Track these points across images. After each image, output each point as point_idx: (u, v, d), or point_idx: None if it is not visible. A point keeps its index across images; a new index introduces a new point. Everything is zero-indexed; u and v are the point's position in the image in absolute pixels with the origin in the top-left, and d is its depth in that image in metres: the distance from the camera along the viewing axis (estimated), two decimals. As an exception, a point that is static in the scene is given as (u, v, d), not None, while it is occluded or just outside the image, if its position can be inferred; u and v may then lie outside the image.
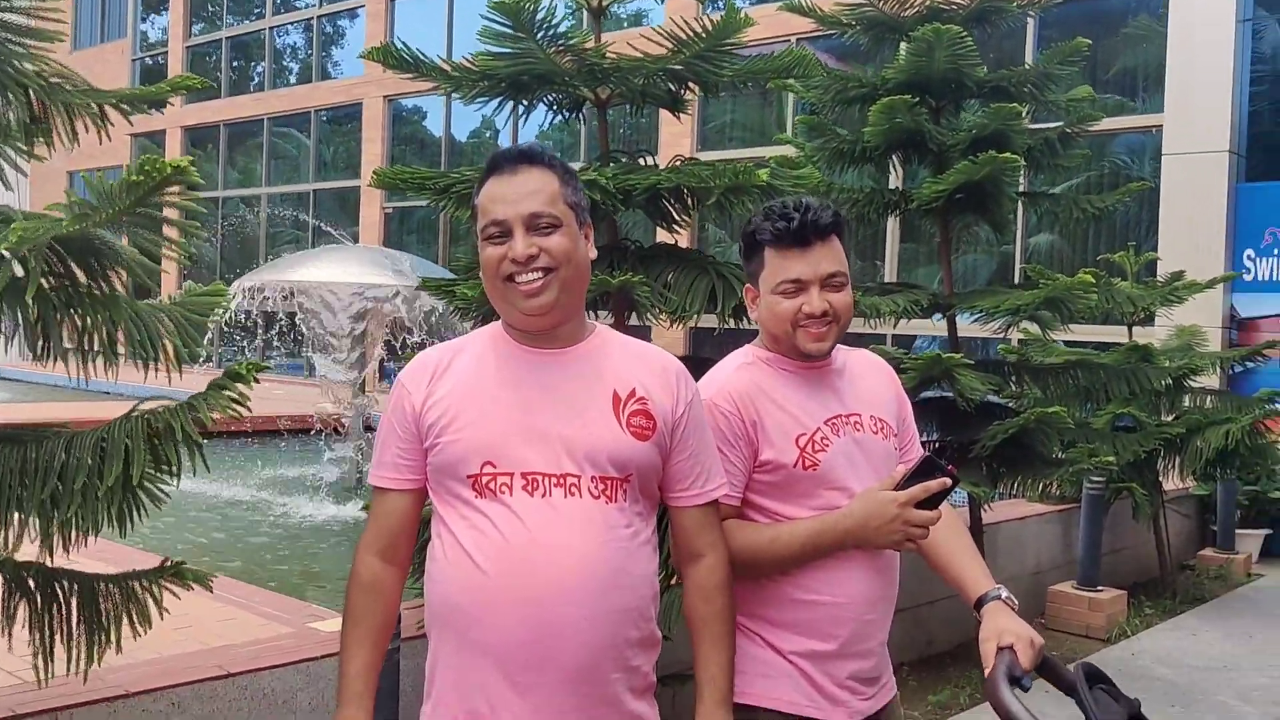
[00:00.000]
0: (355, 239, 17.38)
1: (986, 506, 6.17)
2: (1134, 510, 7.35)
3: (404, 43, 3.93)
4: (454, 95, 4.07)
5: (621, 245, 4.05)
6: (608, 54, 3.75)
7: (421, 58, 3.90)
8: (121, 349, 2.65)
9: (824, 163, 6.23)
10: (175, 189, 2.13)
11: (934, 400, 6.05)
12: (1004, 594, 2.16)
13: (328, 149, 20.08)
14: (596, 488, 1.89)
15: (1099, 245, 10.43)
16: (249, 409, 2.69)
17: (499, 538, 1.85)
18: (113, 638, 2.61)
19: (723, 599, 2.06)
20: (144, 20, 23.84)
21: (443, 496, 1.95)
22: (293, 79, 20.92)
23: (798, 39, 12.09)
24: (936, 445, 6.07)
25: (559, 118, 4.22)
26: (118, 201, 2.08)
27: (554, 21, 3.58)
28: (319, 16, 20.03)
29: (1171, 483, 8.27)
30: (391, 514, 2.01)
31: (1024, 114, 5.57)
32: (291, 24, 20.75)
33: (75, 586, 2.59)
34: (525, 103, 4.14)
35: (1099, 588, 6.85)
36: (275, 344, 14.03)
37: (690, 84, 4.15)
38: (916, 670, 5.97)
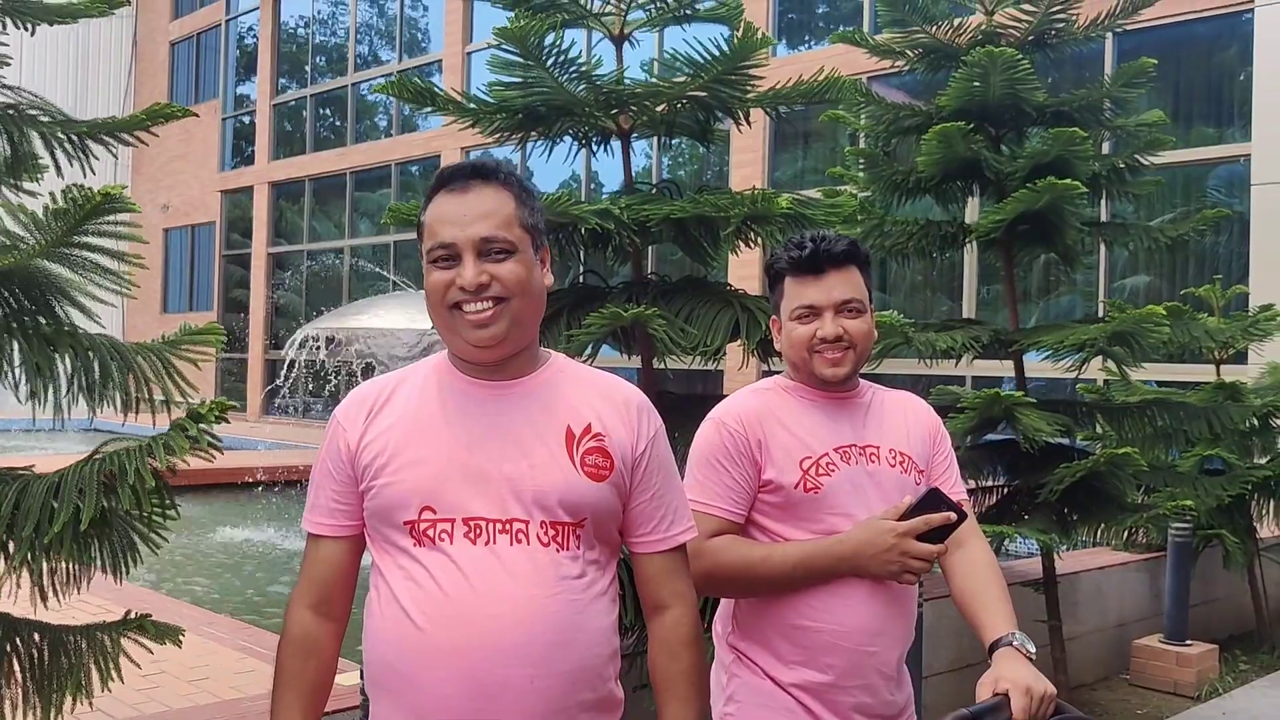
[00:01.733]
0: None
1: (1059, 555, 5.81)
2: (1225, 558, 6.89)
3: (419, 77, 3.83)
4: (474, 129, 3.97)
5: (645, 280, 3.88)
6: (624, 80, 3.61)
7: (436, 90, 3.80)
8: (73, 385, 2.55)
9: (878, 195, 6.01)
10: (119, 218, 2.02)
11: (1001, 442, 5.74)
12: (1017, 640, 2.05)
13: (408, 202, 20.36)
14: (546, 534, 1.71)
15: (1193, 284, 10.00)
16: (221, 451, 2.57)
17: (436, 591, 1.67)
18: (72, 692, 2.48)
19: (690, 656, 1.85)
20: (238, 82, 24.57)
21: (380, 545, 1.77)
22: (376, 134, 21.32)
23: (869, 78, 11.89)
24: (1005, 489, 5.75)
25: (582, 149, 4.08)
26: (48, 232, 1.97)
27: (563, 47, 3.45)
28: (399, 72, 20.40)
29: (1268, 529, 7.77)
30: (325, 563, 1.83)
31: (1088, 139, 5.29)
32: (373, 80, 21.19)
33: (37, 638, 2.47)
34: (549, 136, 4.02)
35: (1188, 642, 6.40)
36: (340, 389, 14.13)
37: (718, 112, 3.98)
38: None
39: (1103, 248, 10.41)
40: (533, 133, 3.98)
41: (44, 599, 2.48)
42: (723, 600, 2.34)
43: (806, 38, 14.85)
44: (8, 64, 2.53)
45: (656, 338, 3.42)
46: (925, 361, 5.51)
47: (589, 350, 3.51)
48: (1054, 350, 5.48)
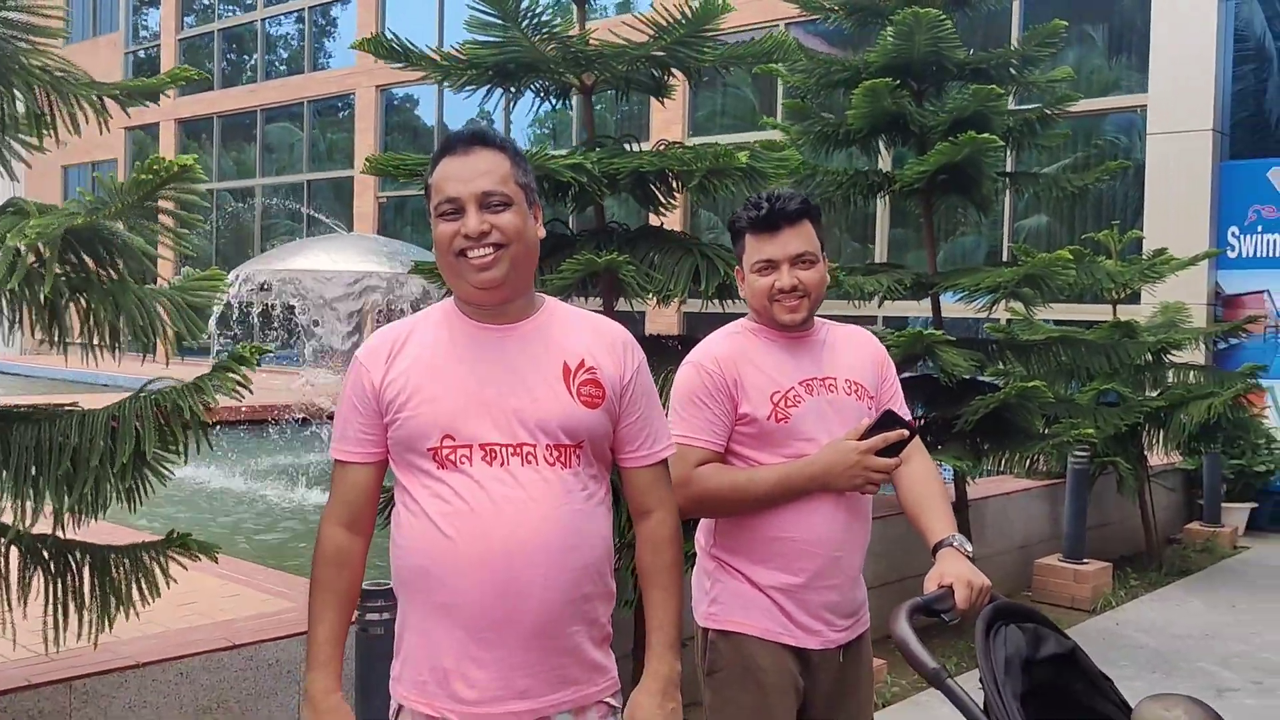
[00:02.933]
0: (350, 228, 17.45)
1: (971, 480, 6.30)
2: (1118, 484, 7.49)
3: (394, 33, 4.04)
4: (444, 84, 4.18)
5: (608, 228, 4.17)
6: (591, 41, 3.86)
7: (411, 48, 4.01)
8: (125, 335, 2.76)
9: (809, 146, 6.35)
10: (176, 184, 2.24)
11: (920, 377, 6.19)
12: (957, 540, 2.40)
13: (321, 139, 20.14)
14: (551, 455, 2.00)
15: (1090, 227, 10.55)
16: (251, 391, 2.81)
17: (463, 505, 1.96)
18: (124, 605, 2.73)
19: (671, 551, 2.18)
20: (136, 13, 23.86)
21: (405, 468, 2.05)
22: (285, 70, 20.97)
23: (786, 24, 12.17)
24: (921, 420, 6.20)
25: (546, 104, 4.33)
26: (125, 196, 2.19)
27: (537, 10, 3.69)
28: (310, 7, 20.08)
29: (1157, 458, 8.40)
30: (355, 486, 2.10)
31: (1004, 95, 5.68)
32: (283, 15, 20.80)
33: (88, 558, 2.71)
34: (513, 90, 4.25)
35: (1084, 560, 6.98)
36: (270, 334, 14.12)
37: (673, 70, 4.26)
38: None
39: (1008, 194, 10.93)
40: (497, 89, 4.21)
41: (63, 528, 2.69)
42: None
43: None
44: (65, 36, 2.69)
45: (625, 282, 3.71)
46: (852, 303, 5.90)
47: (562, 295, 3.79)
48: (969, 292, 5.92)
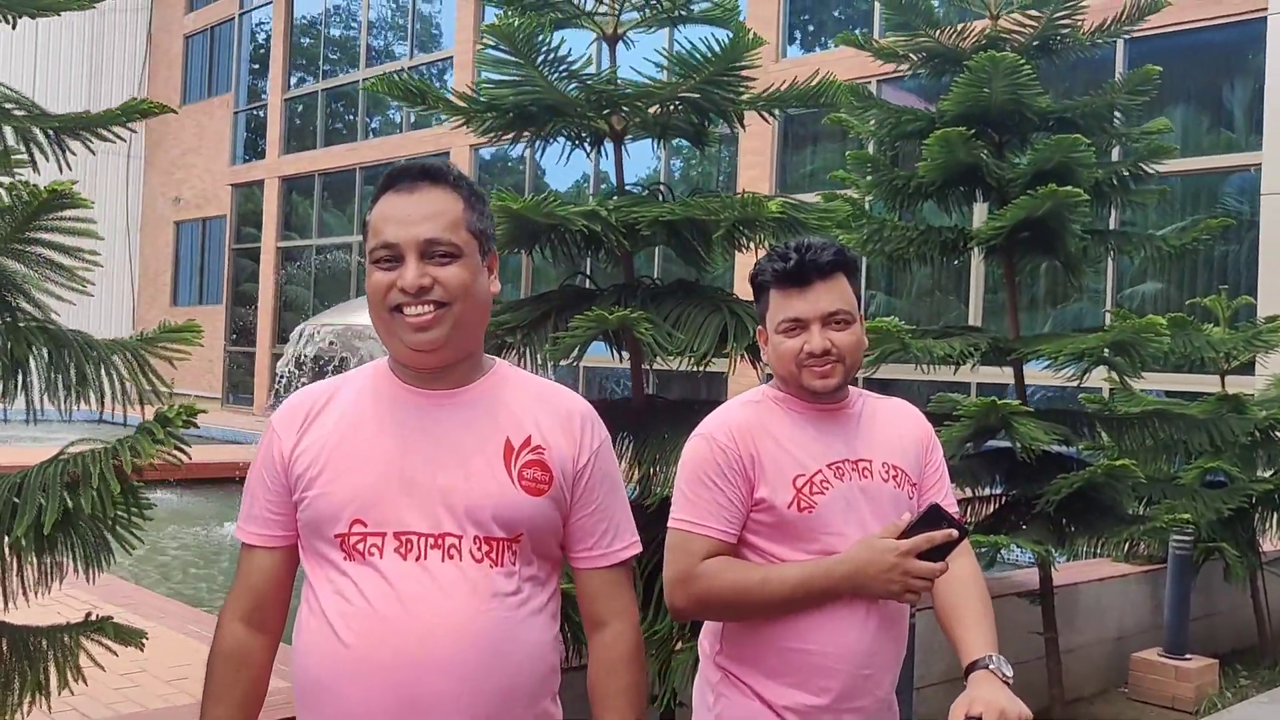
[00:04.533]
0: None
1: (1055, 566, 5.74)
2: (1226, 572, 6.82)
3: (410, 72, 3.80)
4: (467, 129, 3.93)
5: (633, 283, 3.84)
6: (616, 81, 3.56)
7: (427, 88, 3.77)
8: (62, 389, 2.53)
9: (882, 199, 5.96)
10: (70, 214, 1.99)
11: (999, 451, 5.69)
12: (994, 663, 1.99)
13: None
14: (479, 550, 1.66)
15: (1205, 293, 9.92)
16: (187, 455, 2.54)
17: (365, 606, 1.63)
18: (40, 691, 2.46)
19: (630, 674, 1.81)
20: (252, 76, 24.58)
21: (311, 558, 1.73)
22: (383, 129, 21.32)
23: (879, 80, 11.82)
24: (1003, 498, 5.69)
25: (576, 150, 4.04)
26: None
27: (552, 45, 3.40)
28: (408, 68, 20.42)
29: (1270, 543, 7.68)
30: (259, 573, 1.79)
31: (1091, 147, 5.23)
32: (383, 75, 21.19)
33: (4, 639, 2.45)
34: (542, 136, 3.97)
35: (1187, 656, 6.33)
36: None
37: (712, 114, 3.93)
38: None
39: (1111, 257, 10.35)
40: (525, 133, 3.93)
41: (5, 600, 2.46)
42: None
43: (823, 38, 14.79)
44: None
45: (643, 341, 3.37)
46: (921, 368, 5.46)
47: (575, 353, 3.47)
48: (1053, 359, 5.42)
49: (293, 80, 23.11)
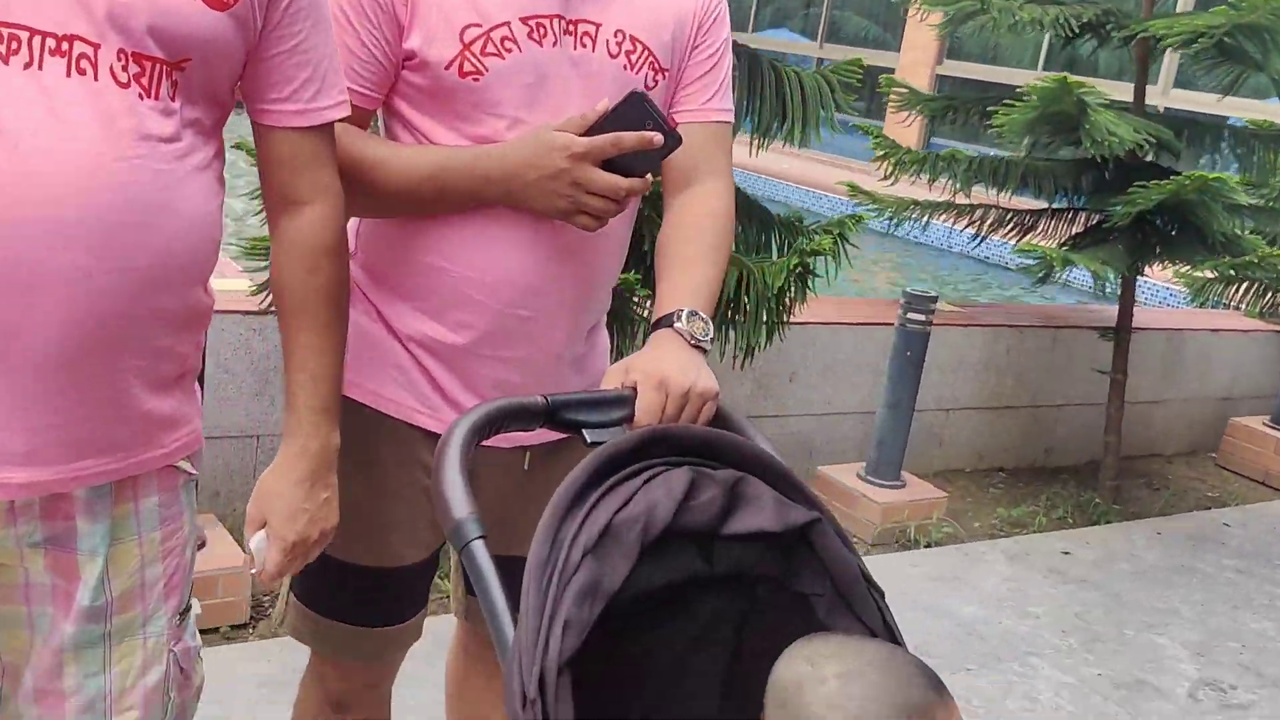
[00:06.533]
0: None
1: (1133, 298, 4.90)
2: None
3: None
4: None
5: None
6: None
7: None
8: None
9: None
10: None
11: (1087, 162, 4.79)
12: (682, 320, 1.47)
13: None
14: (125, 70, 1.15)
15: None
16: None
17: None
18: None
19: (331, 269, 1.39)
20: None
21: None
22: None
23: None
24: (1086, 217, 4.84)
25: None
26: None
27: None
28: None
29: None
30: None
31: None
32: None
33: None
34: None
35: (1297, 429, 5.50)
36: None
37: None
38: (1014, 478, 5.00)
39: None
40: None
41: None
42: None
43: None
44: None
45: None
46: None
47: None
48: (1163, 39, 4.39)
49: None
